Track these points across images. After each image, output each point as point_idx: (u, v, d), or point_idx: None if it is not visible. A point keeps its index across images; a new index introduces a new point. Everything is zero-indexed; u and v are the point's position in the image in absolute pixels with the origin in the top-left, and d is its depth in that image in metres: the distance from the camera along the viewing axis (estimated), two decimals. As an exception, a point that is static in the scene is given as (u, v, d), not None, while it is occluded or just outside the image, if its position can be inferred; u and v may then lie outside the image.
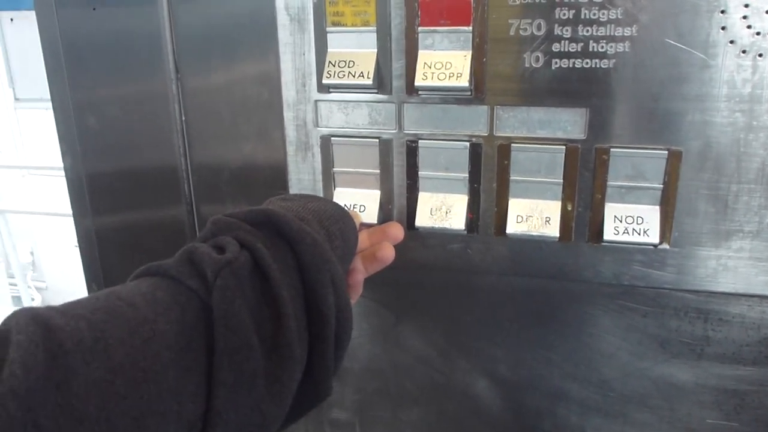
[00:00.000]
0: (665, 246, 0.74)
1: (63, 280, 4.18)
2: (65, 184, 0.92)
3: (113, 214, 0.92)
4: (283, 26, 0.78)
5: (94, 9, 0.82)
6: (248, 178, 0.86)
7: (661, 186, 0.72)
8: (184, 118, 0.85)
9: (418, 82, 0.73)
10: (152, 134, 0.87)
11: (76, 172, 0.91)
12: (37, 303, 4.14)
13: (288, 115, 0.82)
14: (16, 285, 3.56)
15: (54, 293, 4.32)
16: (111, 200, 0.91)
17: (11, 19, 4.04)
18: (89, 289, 0.95)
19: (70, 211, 0.92)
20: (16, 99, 4.08)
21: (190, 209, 0.89)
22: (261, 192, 0.86)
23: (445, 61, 0.73)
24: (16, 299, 3.58)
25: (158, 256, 0.92)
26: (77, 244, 0.93)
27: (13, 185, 4.01)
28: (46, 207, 3.62)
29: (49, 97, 0.88)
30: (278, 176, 0.85)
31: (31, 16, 0.84)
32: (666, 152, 0.70)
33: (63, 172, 0.92)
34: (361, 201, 0.81)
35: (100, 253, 0.93)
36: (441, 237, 0.81)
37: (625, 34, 0.68)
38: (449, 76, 0.72)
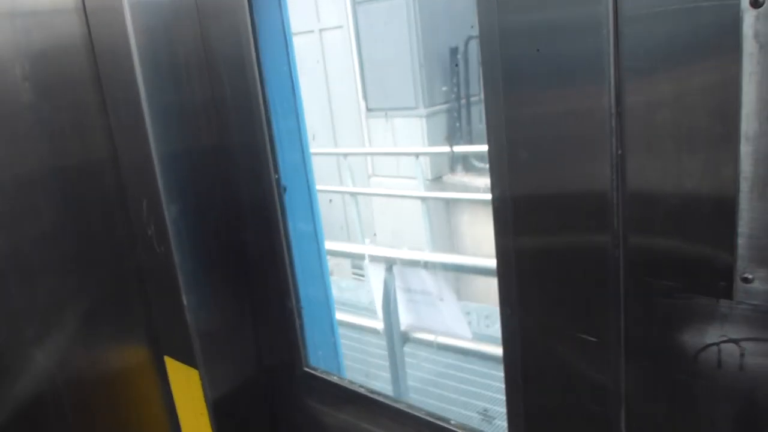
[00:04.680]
0: None
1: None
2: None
3: (535, 242, 0.94)
4: (749, 55, 0.71)
5: (537, 51, 0.85)
6: (686, 213, 0.81)
7: None
8: (620, 152, 0.83)
9: None
10: (583, 163, 0.87)
11: (503, 191, 0.95)
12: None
13: (746, 149, 0.74)
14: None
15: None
16: (534, 223, 0.94)
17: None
18: (503, 312, 1.00)
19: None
20: (368, 109, 4.67)
21: (617, 241, 0.87)
22: (700, 229, 0.80)
23: None
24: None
25: (575, 286, 0.93)
26: (496, 268, 0.98)
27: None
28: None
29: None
30: (723, 214, 0.78)
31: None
32: None
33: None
34: None
35: (518, 280, 0.97)
36: None
37: None
38: None
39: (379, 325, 3.56)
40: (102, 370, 1.50)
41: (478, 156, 7.30)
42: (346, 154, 6.44)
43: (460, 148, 6.57)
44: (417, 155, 6.41)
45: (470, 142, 7.26)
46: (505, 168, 0.94)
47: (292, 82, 1.36)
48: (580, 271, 0.92)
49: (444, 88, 7.21)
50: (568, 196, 0.90)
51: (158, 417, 1.61)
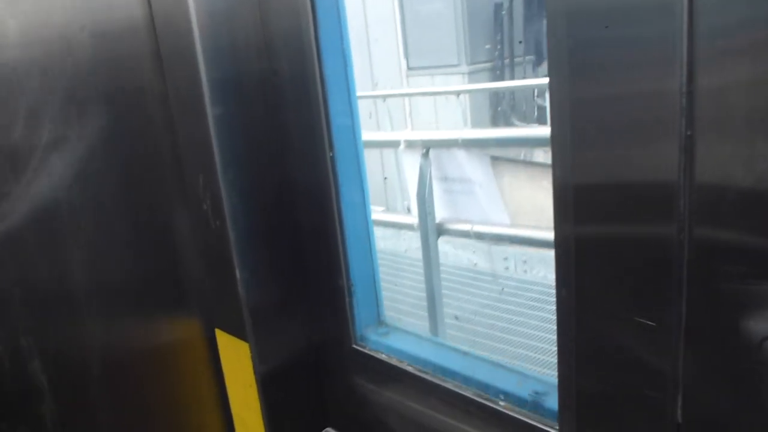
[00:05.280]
0: None
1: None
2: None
3: (596, 224, 0.92)
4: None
5: (606, 27, 0.81)
6: (757, 196, 0.77)
7: None
8: (689, 133, 0.80)
9: None
10: (651, 143, 0.84)
11: (564, 172, 0.93)
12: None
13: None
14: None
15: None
16: (595, 209, 0.91)
17: None
18: (558, 293, 0.98)
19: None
20: (409, 68, 4.63)
21: (682, 224, 0.84)
22: (770, 217, 0.77)
23: None
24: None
25: (636, 270, 0.91)
26: (554, 249, 0.96)
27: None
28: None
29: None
30: (798, 198, 0.74)
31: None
32: None
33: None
34: None
35: (576, 261, 0.95)
36: None
37: None
38: None
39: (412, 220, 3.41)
40: (154, 341, 1.55)
41: (519, 115, 7.18)
42: (385, 96, 6.62)
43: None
44: (458, 93, 6.55)
45: (513, 102, 7.12)
46: (567, 147, 0.91)
47: (345, 60, 1.34)
48: (641, 255, 0.89)
49: (487, 46, 7.06)
50: (633, 178, 0.87)
51: (207, 388, 1.66)
